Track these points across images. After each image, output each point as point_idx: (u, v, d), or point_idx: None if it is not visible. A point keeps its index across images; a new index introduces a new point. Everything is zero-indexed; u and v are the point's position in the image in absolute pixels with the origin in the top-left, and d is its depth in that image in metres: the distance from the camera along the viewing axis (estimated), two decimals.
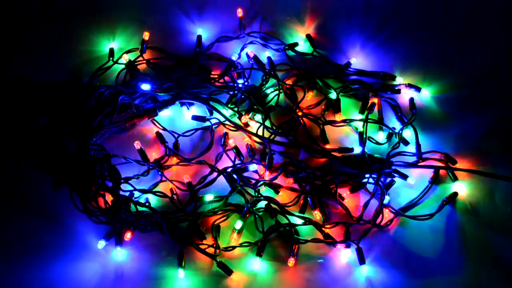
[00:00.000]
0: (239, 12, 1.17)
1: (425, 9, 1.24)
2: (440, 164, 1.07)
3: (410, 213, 1.05)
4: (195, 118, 1.10)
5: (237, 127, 1.09)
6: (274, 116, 1.11)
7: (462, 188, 1.06)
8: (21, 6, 1.18)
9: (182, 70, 1.12)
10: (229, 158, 1.08)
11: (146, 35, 1.13)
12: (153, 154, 1.09)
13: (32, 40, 1.16)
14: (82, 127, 1.02)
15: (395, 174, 1.06)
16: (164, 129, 1.09)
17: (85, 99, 1.05)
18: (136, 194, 1.03)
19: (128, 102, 1.06)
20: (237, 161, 1.08)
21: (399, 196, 1.07)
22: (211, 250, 0.99)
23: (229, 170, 1.05)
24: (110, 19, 1.18)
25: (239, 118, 1.09)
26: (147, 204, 1.02)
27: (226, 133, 1.10)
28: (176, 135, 1.09)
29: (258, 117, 1.10)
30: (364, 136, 1.08)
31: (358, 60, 1.17)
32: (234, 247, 1.01)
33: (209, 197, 1.04)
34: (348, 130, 1.12)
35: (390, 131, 1.10)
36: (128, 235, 1.01)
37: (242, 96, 1.10)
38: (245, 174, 1.06)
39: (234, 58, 1.14)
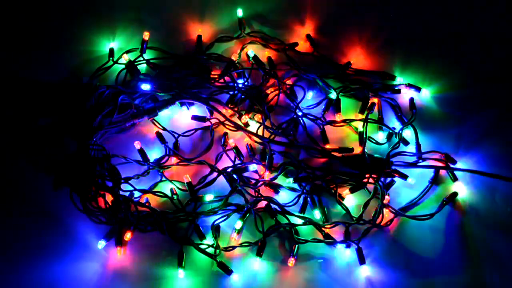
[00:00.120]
0: (239, 12, 1.17)
1: (425, 9, 1.23)
2: (440, 164, 1.07)
3: (410, 213, 1.05)
4: (195, 118, 1.10)
5: (237, 127, 1.09)
6: (274, 116, 1.11)
7: (462, 188, 1.06)
8: (21, 6, 1.18)
9: (182, 70, 1.12)
10: (229, 158, 1.08)
11: (146, 35, 1.13)
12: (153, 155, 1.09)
13: (32, 40, 1.16)
14: (82, 127, 1.02)
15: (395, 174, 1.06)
16: (164, 129, 1.09)
17: (85, 99, 1.05)
18: (136, 194, 1.03)
19: (128, 102, 1.06)
20: (237, 161, 1.08)
21: (399, 196, 1.07)
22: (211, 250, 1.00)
23: (229, 170, 1.05)
24: (110, 19, 1.18)
25: (239, 118, 1.10)
26: (147, 204, 1.02)
27: (226, 133, 1.10)
28: (176, 135, 1.09)
29: (258, 117, 1.10)
30: (364, 136, 1.08)
31: (358, 60, 1.17)
32: (234, 247, 1.01)
33: (209, 197, 1.04)
34: (348, 130, 1.12)
35: (390, 131, 1.10)
36: (128, 235, 1.01)
37: (242, 96, 1.11)
38: (245, 174, 1.06)
39: (234, 58, 1.14)
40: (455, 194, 1.06)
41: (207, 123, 1.10)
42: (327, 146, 1.10)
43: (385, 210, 1.03)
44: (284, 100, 1.13)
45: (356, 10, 1.23)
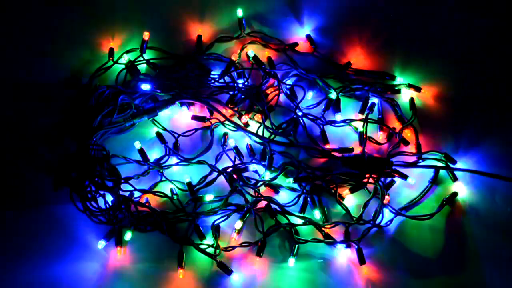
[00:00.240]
0: (239, 12, 1.17)
1: (425, 9, 1.23)
2: (440, 164, 1.07)
3: (410, 213, 1.05)
4: (195, 118, 1.10)
5: (237, 127, 1.09)
6: (274, 116, 1.11)
7: (462, 188, 1.06)
8: (21, 6, 1.18)
9: (182, 70, 1.12)
10: (229, 158, 1.08)
11: (146, 35, 1.13)
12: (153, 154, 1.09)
13: (32, 40, 1.16)
14: (82, 127, 1.02)
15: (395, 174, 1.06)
16: (164, 129, 1.09)
17: (85, 99, 1.05)
18: (136, 194, 1.03)
19: (128, 102, 1.06)
20: (237, 161, 1.08)
21: (399, 196, 1.07)
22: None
23: (229, 170, 1.05)
24: (110, 19, 1.18)
25: (239, 118, 1.10)
26: (147, 204, 1.02)
27: (226, 133, 1.10)
28: (176, 135, 1.09)
29: (258, 117, 1.10)
30: (364, 136, 1.08)
31: (358, 60, 1.17)
32: (234, 247, 1.01)
33: (209, 197, 1.04)
34: (348, 130, 1.12)
35: (390, 131, 1.10)
36: (128, 235, 1.01)
37: (242, 96, 1.10)
38: (245, 174, 1.06)
39: (234, 58, 1.14)
40: (455, 194, 1.06)
41: (207, 123, 1.10)
42: (327, 146, 1.10)
43: (385, 210, 1.03)
44: (284, 100, 1.13)
45: (356, 10, 1.23)
